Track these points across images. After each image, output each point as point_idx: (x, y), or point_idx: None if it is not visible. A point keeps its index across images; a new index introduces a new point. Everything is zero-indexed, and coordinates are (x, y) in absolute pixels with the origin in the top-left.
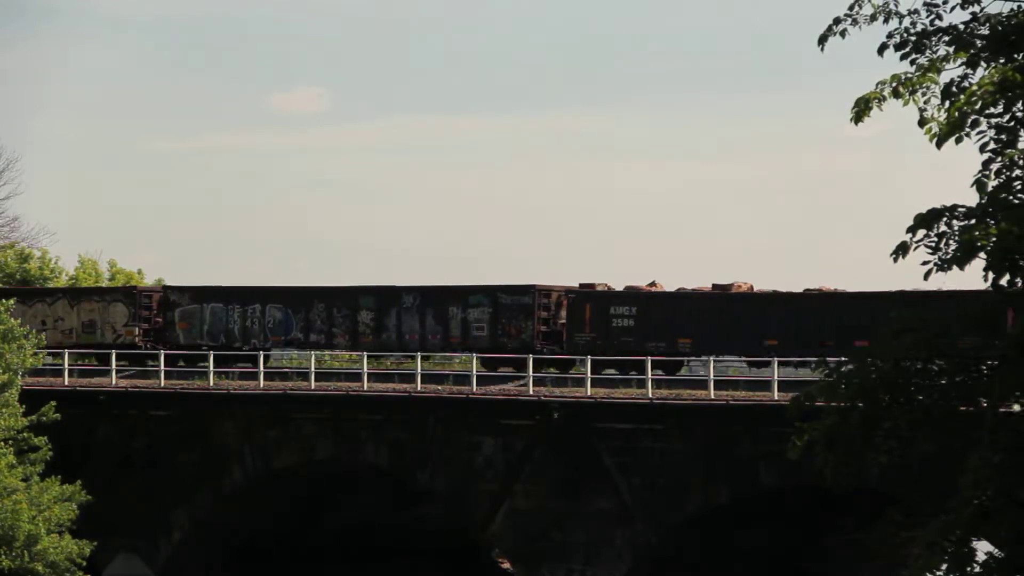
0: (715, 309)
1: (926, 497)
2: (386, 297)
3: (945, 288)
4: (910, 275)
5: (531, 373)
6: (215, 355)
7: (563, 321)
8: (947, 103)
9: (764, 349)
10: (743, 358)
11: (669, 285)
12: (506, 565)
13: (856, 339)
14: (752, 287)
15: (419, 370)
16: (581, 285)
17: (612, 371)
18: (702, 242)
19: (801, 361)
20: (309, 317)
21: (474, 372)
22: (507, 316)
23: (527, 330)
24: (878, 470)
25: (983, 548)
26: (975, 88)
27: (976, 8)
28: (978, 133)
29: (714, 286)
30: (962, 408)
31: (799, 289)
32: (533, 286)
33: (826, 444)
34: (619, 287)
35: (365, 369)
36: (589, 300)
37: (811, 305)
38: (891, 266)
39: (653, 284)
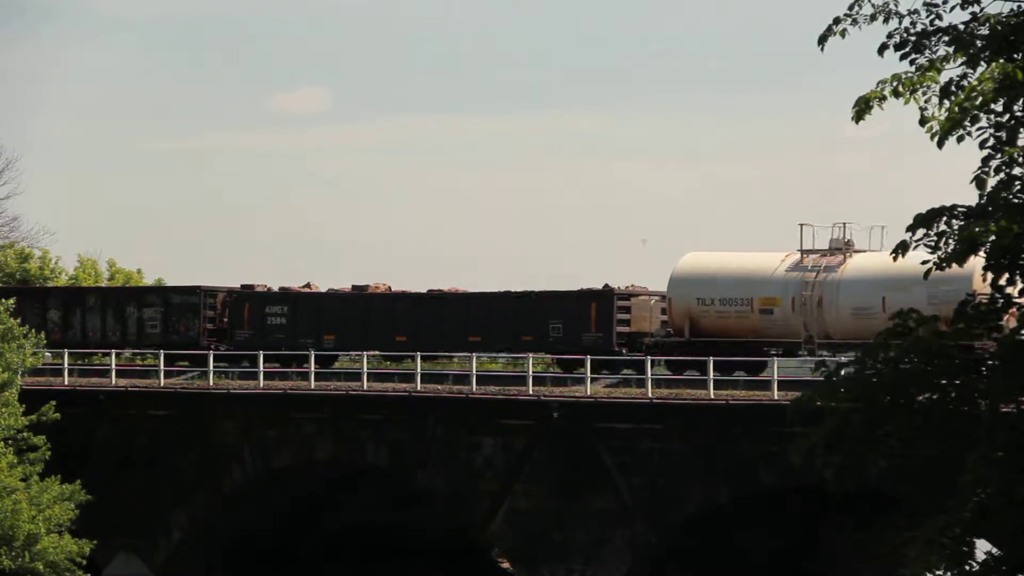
0: (354, 308)
1: (926, 497)
2: (72, 297)
3: (542, 289)
4: None
5: (530, 372)
6: None
7: (227, 319)
8: (946, 102)
9: (395, 344)
10: (379, 352)
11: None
12: (506, 565)
13: (471, 334)
14: (389, 288)
15: (419, 370)
16: (242, 286)
17: (275, 364)
18: (702, 241)
19: (432, 355)
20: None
21: (473, 371)
22: (177, 315)
23: (194, 328)
24: (878, 471)
25: (983, 547)
26: (975, 83)
27: (976, 8)
28: (978, 129)
29: (353, 287)
30: (962, 409)
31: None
32: (199, 287)
33: (827, 447)
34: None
35: (365, 369)
36: (247, 300)
37: (434, 304)
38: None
39: (307, 285)
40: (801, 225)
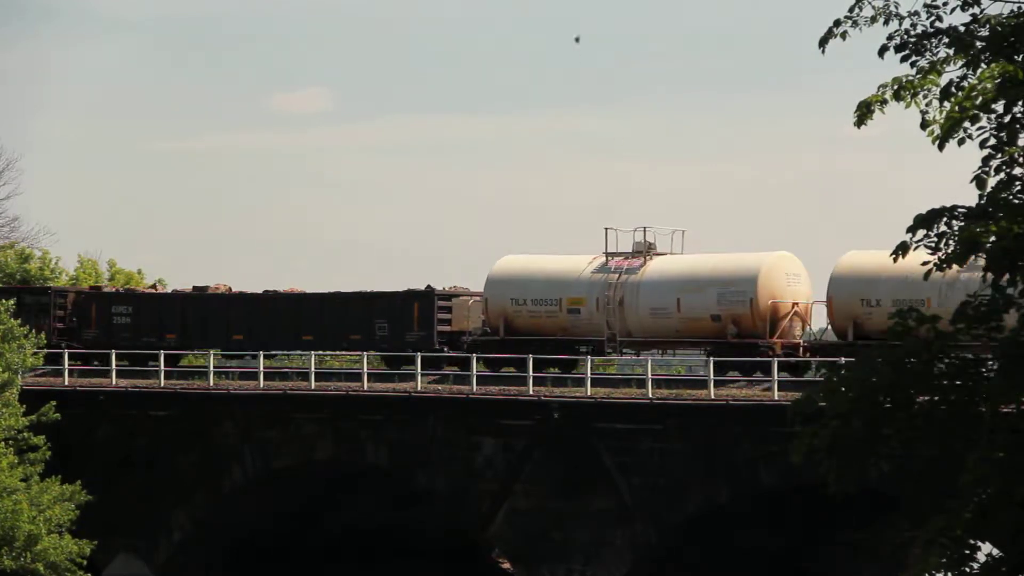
0: (194, 308)
1: (927, 497)
2: None
3: (367, 290)
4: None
5: (531, 373)
6: None
7: (76, 319)
8: (947, 104)
9: (233, 343)
10: (220, 351)
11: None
12: (506, 565)
13: (304, 334)
14: (230, 288)
15: (419, 370)
16: (91, 287)
17: (124, 362)
18: (702, 242)
19: (268, 354)
20: None
21: (473, 372)
22: (28, 314)
23: (45, 327)
24: (879, 473)
25: (983, 548)
26: (975, 83)
27: (976, 9)
28: (978, 129)
29: (193, 287)
30: (963, 410)
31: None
32: (50, 288)
33: (828, 450)
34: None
35: (365, 369)
36: (95, 300)
37: (269, 304)
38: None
39: (153, 286)
40: (606, 229)
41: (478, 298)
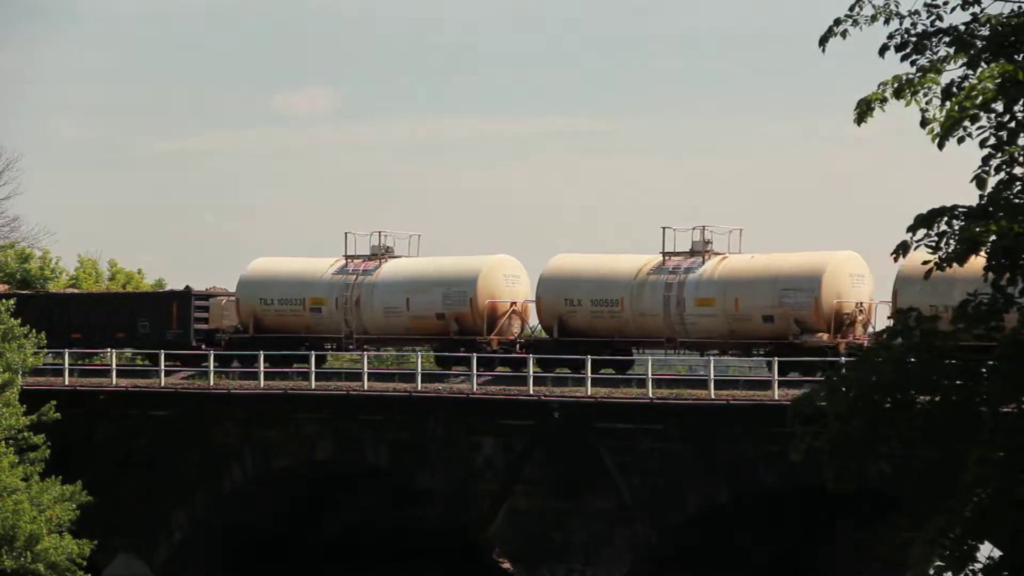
0: None
1: (926, 498)
2: None
3: (130, 291)
4: None
5: (531, 372)
6: None
7: None
8: (947, 103)
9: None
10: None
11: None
12: (506, 565)
13: (73, 332)
14: (8, 287)
15: (419, 370)
16: None
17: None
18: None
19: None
20: None
21: (474, 372)
22: None
23: None
24: (880, 474)
25: (984, 549)
26: (975, 83)
27: (976, 9)
28: (978, 129)
29: None
30: (962, 410)
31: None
32: None
33: (828, 451)
34: None
35: (365, 369)
36: None
37: (41, 303)
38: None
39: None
40: (346, 233)
41: (233, 298)
